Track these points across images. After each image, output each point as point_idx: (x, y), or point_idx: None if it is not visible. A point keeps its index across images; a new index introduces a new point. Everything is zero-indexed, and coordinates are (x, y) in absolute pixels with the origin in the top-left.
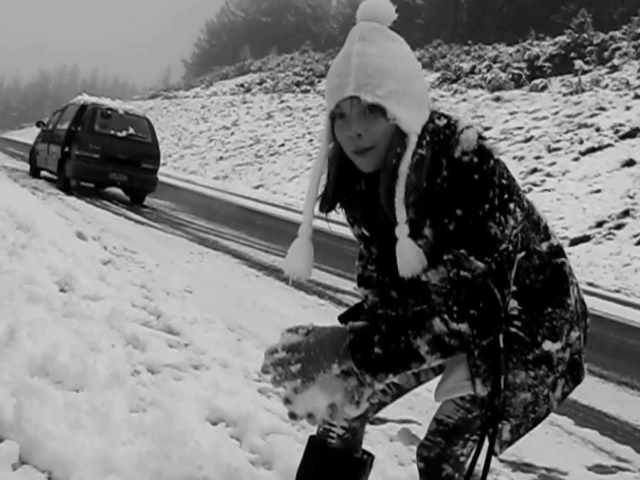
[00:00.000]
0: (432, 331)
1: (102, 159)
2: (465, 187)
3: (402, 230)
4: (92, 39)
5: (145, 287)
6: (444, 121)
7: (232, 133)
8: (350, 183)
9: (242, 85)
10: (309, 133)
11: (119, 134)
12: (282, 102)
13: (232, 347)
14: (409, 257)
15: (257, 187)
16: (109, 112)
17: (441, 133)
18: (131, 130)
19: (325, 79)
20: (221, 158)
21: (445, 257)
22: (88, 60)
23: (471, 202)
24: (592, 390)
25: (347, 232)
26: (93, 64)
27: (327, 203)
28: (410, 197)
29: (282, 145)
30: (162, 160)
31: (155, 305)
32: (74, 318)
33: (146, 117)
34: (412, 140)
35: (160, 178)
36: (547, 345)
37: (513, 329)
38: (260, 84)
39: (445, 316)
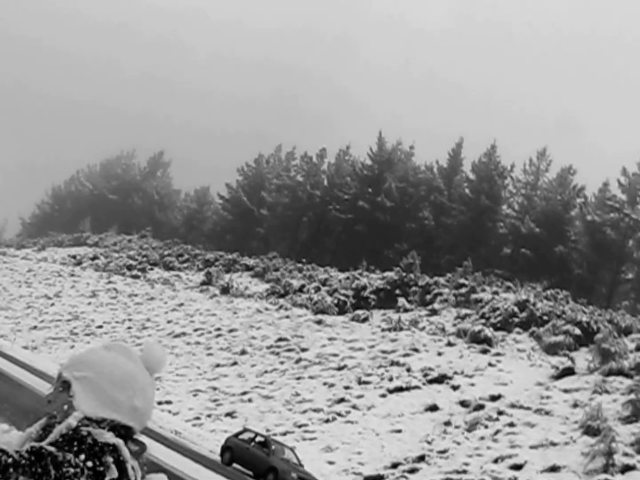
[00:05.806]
0: None
1: None
2: None
3: None
4: None
5: None
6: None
7: (53, 304)
8: None
9: (74, 257)
10: (130, 320)
11: None
12: (109, 282)
13: None
14: None
15: None
16: None
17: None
18: None
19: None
20: (35, 327)
21: None
22: None
23: None
24: None
25: None
26: None
27: None
28: None
29: (100, 327)
30: None
31: None
32: None
33: None
34: (76, 414)
35: None
36: None
37: None
38: (92, 259)
39: None
